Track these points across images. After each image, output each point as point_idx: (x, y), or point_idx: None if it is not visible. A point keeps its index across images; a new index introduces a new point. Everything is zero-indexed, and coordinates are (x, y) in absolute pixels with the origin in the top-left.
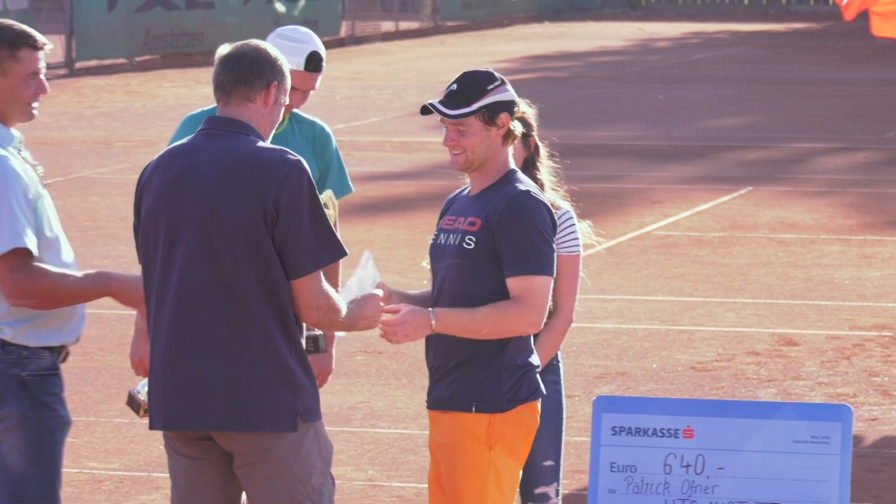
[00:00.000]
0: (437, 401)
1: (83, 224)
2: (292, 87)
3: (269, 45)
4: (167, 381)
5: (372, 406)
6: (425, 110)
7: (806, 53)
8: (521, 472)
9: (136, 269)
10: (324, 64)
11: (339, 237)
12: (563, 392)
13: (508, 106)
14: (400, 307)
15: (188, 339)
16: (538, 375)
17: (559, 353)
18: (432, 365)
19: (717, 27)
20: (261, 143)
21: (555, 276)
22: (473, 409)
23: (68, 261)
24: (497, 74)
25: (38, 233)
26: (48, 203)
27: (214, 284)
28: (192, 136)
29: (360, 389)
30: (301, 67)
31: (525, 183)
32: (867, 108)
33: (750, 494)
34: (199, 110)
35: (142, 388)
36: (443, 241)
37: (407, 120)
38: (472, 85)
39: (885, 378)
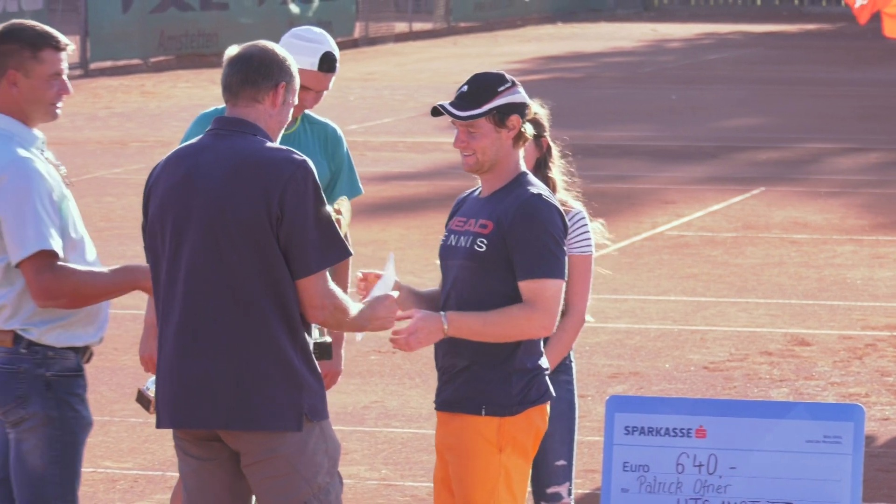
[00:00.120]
0: (446, 402)
1: (98, 224)
2: (306, 87)
3: (277, 46)
4: (173, 381)
5: (385, 405)
6: (436, 112)
7: (818, 54)
8: (529, 474)
9: None
10: (337, 64)
11: (347, 239)
12: (576, 392)
13: (519, 108)
14: (412, 313)
15: (194, 339)
16: (547, 378)
17: (572, 352)
18: (441, 366)
19: (729, 28)
20: (267, 144)
21: (566, 278)
22: (483, 411)
23: (92, 261)
24: (508, 76)
25: (63, 234)
26: (72, 204)
27: (220, 284)
28: (200, 136)
29: (374, 389)
30: (315, 68)
31: (536, 186)
32: (879, 108)
33: (762, 494)
34: (212, 108)
35: (151, 384)
36: (453, 243)
37: (420, 120)
38: (483, 86)
39: None
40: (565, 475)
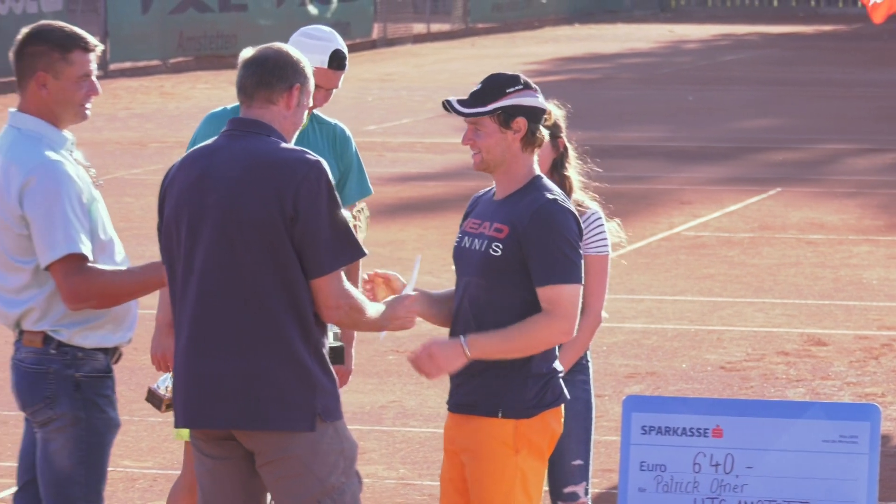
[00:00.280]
0: (461, 405)
1: (117, 224)
2: (316, 86)
3: (292, 48)
4: (189, 380)
5: (403, 405)
6: (445, 106)
7: (834, 55)
8: (545, 475)
9: None
10: (346, 62)
11: (361, 241)
12: (593, 391)
13: (527, 111)
14: (431, 343)
15: (208, 339)
16: (562, 381)
17: (588, 352)
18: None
19: (746, 29)
20: (281, 144)
21: (583, 279)
22: (500, 414)
23: (121, 261)
24: (523, 79)
25: (92, 236)
26: (101, 205)
27: (234, 284)
28: (215, 137)
29: (392, 388)
30: (325, 65)
31: (551, 190)
32: (895, 109)
33: (779, 493)
34: (220, 108)
35: (162, 383)
36: (467, 245)
37: (438, 121)
38: (493, 86)
39: None
40: (582, 475)
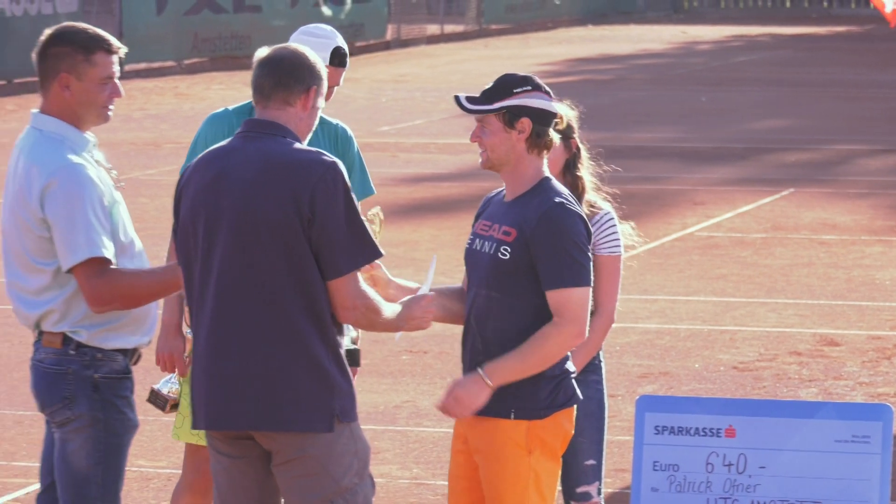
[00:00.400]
0: None
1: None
2: None
3: (308, 49)
4: (207, 382)
5: (417, 405)
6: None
7: (847, 56)
8: (558, 476)
9: None
10: (347, 59)
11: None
12: (606, 391)
13: (533, 112)
14: (454, 386)
15: (226, 341)
16: (574, 381)
17: (601, 352)
18: (468, 368)
19: (758, 30)
20: (296, 145)
21: (592, 281)
22: (512, 415)
23: (141, 264)
24: (535, 81)
25: (114, 238)
26: (122, 207)
27: (251, 286)
28: (229, 139)
29: (406, 388)
30: (327, 62)
31: (559, 193)
32: None
33: (791, 493)
34: (221, 109)
35: (165, 384)
36: (478, 247)
37: (452, 122)
38: (501, 85)
39: None
40: (595, 475)
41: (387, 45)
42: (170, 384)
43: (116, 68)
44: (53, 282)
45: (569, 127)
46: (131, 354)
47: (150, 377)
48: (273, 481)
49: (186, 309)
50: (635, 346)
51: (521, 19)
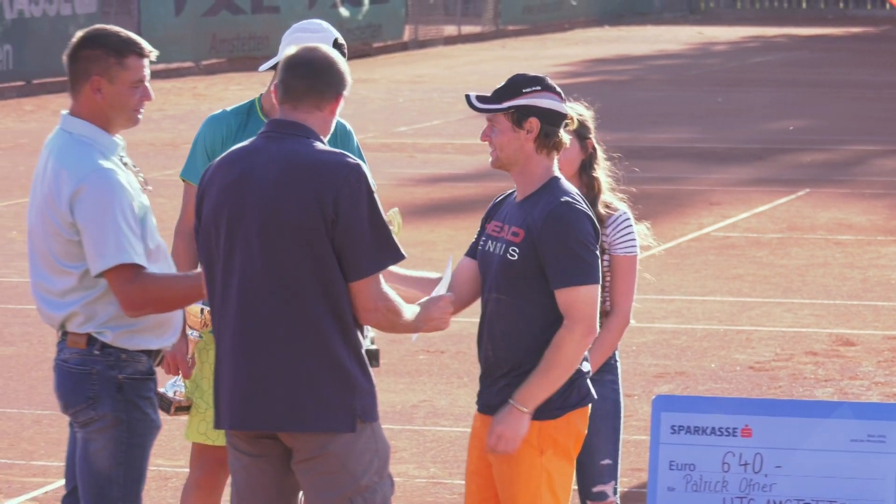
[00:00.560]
0: (488, 406)
1: None
2: None
3: (336, 53)
4: (230, 382)
5: (434, 404)
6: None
7: (863, 57)
8: (573, 475)
9: None
10: (346, 51)
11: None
12: (622, 391)
13: (542, 112)
14: (494, 425)
15: (249, 341)
16: (589, 381)
17: (617, 352)
18: (483, 370)
19: (775, 31)
20: (320, 146)
21: (601, 280)
22: None
23: (168, 268)
24: (546, 82)
25: (143, 243)
26: (150, 212)
27: (273, 286)
28: (252, 138)
29: (423, 388)
30: None
31: (566, 192)
32: None
33: (807, 493)
34: (220, 111)
35: (170, 386)
36: (490, 249)
37: (469, 122)
38: (511, 85)
39: None
40: (611, 474)
41: (404, 46)
42: (175, 386)
43: (147, 72)
44: (79, 284)
45: (585, 128)
46: (155, 355)
47: (167, 377)
48: (291, 480)
49: (187, 311)
50: (651, 345)
51: (538, 20)
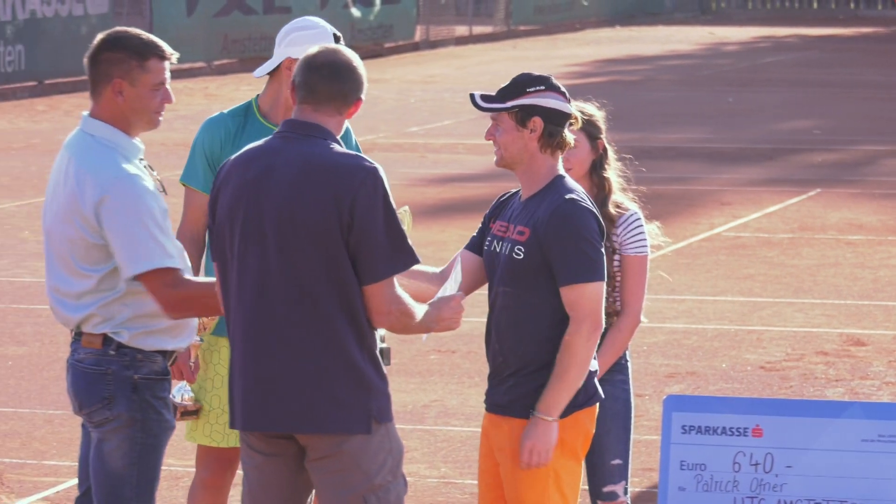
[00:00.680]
0: (496, 405)
1: None
2: None
3: (355, 55)
4: (244, 383)
5: (445, 404)
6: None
7: (873, 57)
8: (580, 475)
9: None
10: (343, 42)
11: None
12: (632, 391)
13: (545, 112)
14: (523, 439)
15: (265, 342)
16: (596, 380)
17: (627, 352)
18: (491, 369)
19: (786, 31)
20: (337, 148)
21: (612, 280)
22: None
23: (185, 267)
24: (551, 82)
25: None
26: (167, 215)
27: (288, 288)
28: (268, 138)
29: (434, 388)
30: None
31: (571, 190)
32: None
33: (818, 493)
34: (216, 114)
35: (178, 391)
36: (496, 249)
37: (480, 122)
38: (515, 84)
39: None
40: (621, 474)
41: (415, 47)
42: (182, 391)
43: (168, 74)
44: (98, 287)
45: (596, 127)
46: (169, 356)
47: None
48: (304, 478)
49: None
50: (662, 345)
51: (549, 20)
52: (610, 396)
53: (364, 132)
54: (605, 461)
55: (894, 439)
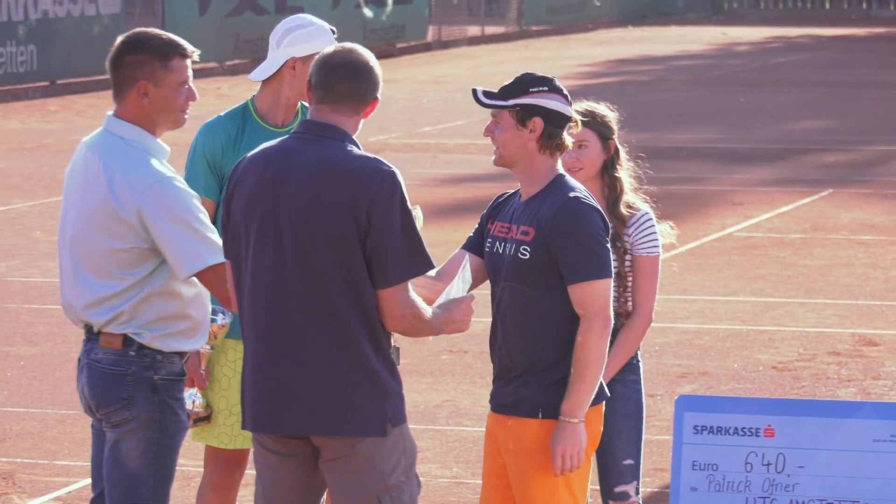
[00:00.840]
0: (502, 405)
1: None
2: None
3: (371, 55)
4: (259, 384)
5: (457, 404)
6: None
7: (886, 57)
8: (589, 474)
9: None
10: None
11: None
12: (644, 391)
13: (547, 113)
14: (553, 445)
15: (278, 343)
16: (601, 379)
17: (639, 352)
18: (497, 370)
19: (798, 31)
20: (356, 151)
21: (624, 280)
22: (540, 415)
23: None
24: (553, 83)
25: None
26: None
27: (304, 289)
28: (284, 138)
29: (446, 388)
30: (332, 44)
31: (574, 188)
32: None
33: (830, 493)
34: (213, 118)
35: (188, 398)
36: (499, 250)
37: None
38: (518, 83)
39: None
40: (633, 474)
41: (428, 47)
42: (193, 398)
43: (190, 72)
44: (127, 289)
45: (608, 128)
46: (183, 356)
47: None
48: (318, 479)
49: None
50: (674, 345)
51: (561, 21)
52: (621, 396)
53: (376, 132)
54: (616, 461)
55: None
